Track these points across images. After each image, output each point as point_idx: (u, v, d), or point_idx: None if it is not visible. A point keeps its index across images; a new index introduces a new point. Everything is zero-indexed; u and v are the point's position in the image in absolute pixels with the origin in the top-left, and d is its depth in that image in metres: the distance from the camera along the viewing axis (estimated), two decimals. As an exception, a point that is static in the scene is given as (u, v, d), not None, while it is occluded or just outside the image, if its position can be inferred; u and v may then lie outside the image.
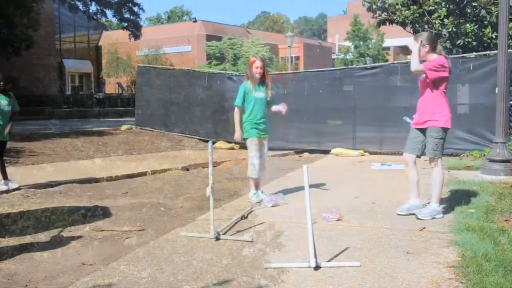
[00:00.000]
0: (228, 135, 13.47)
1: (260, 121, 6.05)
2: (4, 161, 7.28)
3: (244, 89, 6.02)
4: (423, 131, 5.03)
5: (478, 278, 3.16)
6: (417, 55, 4.82)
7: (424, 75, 4.93)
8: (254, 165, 6.00)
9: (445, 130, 4.94)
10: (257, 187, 6.15)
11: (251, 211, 5.46)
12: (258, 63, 5.95)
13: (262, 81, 6.06)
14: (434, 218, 4.79)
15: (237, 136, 6.08)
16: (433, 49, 4.90)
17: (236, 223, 4.96)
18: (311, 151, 12.10)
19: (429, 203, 5.05)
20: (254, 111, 6.01)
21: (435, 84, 4.89)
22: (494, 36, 10.64)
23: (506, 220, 4.68)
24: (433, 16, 11.36)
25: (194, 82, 14.33)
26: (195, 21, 44.69)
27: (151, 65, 18.26)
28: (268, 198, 5.80)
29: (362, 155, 11.18)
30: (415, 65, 4.80)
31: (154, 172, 8.86)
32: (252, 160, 6.02)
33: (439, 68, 4.78)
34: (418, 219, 4.85)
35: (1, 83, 7.04)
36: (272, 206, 5.66)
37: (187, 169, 9.47)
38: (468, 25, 10.95)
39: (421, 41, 4.85)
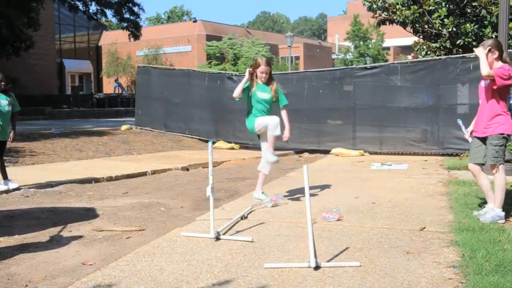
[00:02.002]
0: (228, 135, 13.49)
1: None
2: (4, 161, 7.28)
3: (246, 85, 5.88)
4: (483, 139, 4.91)
5: (478, 278, 3.16)
6: (485, 59, 4.72)
7: (487, 82, 4.84)
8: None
9: (505, 136, 4.80)
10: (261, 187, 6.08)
11: (251, 211, 5.46)
12: (263, 68, 5.81)
13: (267, 83, 5.95)
14: (496, 222, 4.62)
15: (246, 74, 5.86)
16: (500, 56, 4.80)
17: (236, 223, 4.96)
18: (311, 151, 12.11)
19: (484, 206, 4.96)
20: (257, 112, 5.89)
21: (499, 91, 4.78)
22: (494, 36, 10.64)
23: (506, 220, 4.69)
24: (433, 16, 11.36)
25: (194, 82, 14.34)
26: (195, 21, 44.67)
27: (151, 65, 18.27)
28: (268, 198, 5.79)
29: (362, 155, 11.18)
30: (486, 70, 4.67)
31: (154, 172, 8.86)
32: (267, 156, 5.88)
33: (507, 77, 4.68)
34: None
35: (2, 83, 7.03)
36: (272, 206, 5.65)
37: (187, 169, 9.47)
38: (468, 25, 10.95)
39: (490, 48, 4.76)
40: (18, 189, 6.99)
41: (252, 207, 5.63)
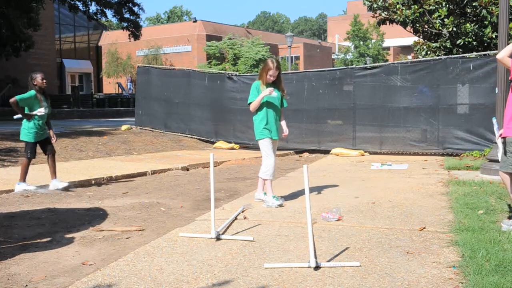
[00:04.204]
0: (228, 135, 13.50)
1: (272, 123, 5.85)
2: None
3: (257, 86, 5.85)
4: (505, 142, 4.57)
5: (478, 278, 3.16)
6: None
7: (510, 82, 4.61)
8: (269, 166, 5.77)
9: None
10: (263, 188, 5.95)
11: (251, 208, 5.46)
12: (272, 72, 5.76)
13: (275, 82, 5.88)
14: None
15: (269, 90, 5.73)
16: None
17: (232, 222, 4.95)
18: (311, 151, 12.12)
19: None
20: (266, 112, 5.82)
21: None
22: (494, 36, 10.64)
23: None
24: (433, 16, 11.36)
25: (194, 82, 14.34)
26: (195, 21, 44.68)
27: (151, 65, 18.28)
28: (272, 199, 5.72)
29: (362, 155, 11.18)
30: (501, 54, 4.40)
31: (154, 172, 8.86)
32: (267, 161, 5.79)
33: None
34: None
35: (44, 80, 7.11)
36: (277, 207, 5.61)
37: (187, 169, 9.48)
38: (468, 25, 10.95)
39: None
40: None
41: (251, 204, 5.63)
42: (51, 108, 7.35)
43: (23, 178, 6.96)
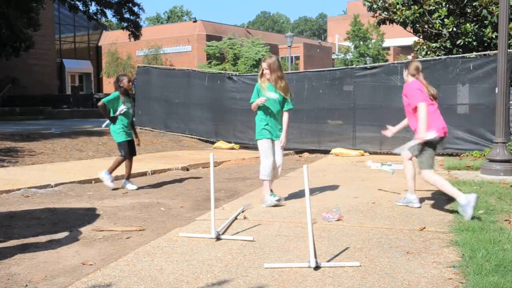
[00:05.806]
0: (228, 135, 13.49)
1: (272, 124, 5.84)
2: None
3: (257, 87, 5.88)
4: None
5: (478, 278, 3.16)
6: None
7: None
8: (265, 166, 5.77)
9: None
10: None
11: (251, 208, 5.46)
12: (263, 65, 5.84)
13: (275, 82, 5.85)
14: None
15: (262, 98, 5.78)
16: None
17: (232, 222, 4.95)
18: (311, 151, 12.12)
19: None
20: (267, 113, 5.82)
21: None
22: (494, 36, 10.64)
23: (506, 220, 4.68)
24: (433, 16, 11.36)
25: (194, 82, 14.34)
26: (195, 21, 44.65)
27: (151, 65, 18.28)
28: (269, 197, 5.73)
29: (362, 155, 11.18)
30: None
31: (154, 172, 8.87)
32: (263, 161, 5.81)
33: None
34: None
35: (130, 83, 7.30)
36: (274, 206, 5.62)
37: (187, 169, 9.48)
38: (468, 25, 10.96)
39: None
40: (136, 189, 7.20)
41: (251, 204, 5.63)
42: (133, 111, 7.58)
43: (112, 171, 7.31)
